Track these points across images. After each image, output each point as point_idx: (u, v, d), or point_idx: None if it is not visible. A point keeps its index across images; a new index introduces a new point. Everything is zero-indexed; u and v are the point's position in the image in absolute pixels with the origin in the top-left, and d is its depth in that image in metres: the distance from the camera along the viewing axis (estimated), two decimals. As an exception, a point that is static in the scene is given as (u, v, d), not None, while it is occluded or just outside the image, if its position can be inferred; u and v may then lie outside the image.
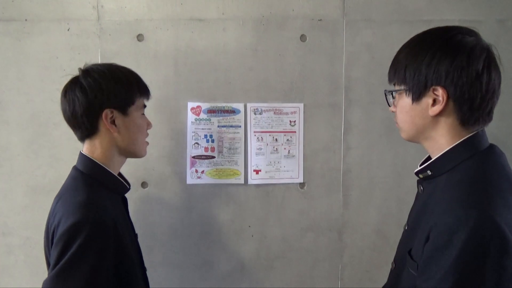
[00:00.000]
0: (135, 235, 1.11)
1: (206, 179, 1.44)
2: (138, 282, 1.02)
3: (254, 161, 1.44)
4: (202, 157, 1.43)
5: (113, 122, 0.97)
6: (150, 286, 1.47)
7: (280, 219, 1.46)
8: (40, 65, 1.40)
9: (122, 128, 0.98)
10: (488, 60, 0.75)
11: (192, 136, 1.43)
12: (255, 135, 1.44)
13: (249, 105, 1.43)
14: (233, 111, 1.43)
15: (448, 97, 0.76)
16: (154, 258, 1.46)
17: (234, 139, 1.44)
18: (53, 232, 0.89)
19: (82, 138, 0.99)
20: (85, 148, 0.99)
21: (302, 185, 1.46)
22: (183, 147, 1.44)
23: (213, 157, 1.43)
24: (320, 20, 1.41)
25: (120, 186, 1.02)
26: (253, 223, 1.46)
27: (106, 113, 0.95)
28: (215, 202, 1.46)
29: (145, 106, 1.07)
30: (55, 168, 1.42)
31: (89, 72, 0.97)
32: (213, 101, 1.43)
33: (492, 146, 0.81)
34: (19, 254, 1.45)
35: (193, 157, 1.43)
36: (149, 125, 1.08)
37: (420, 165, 0.86)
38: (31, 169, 1.42)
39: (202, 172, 1.43)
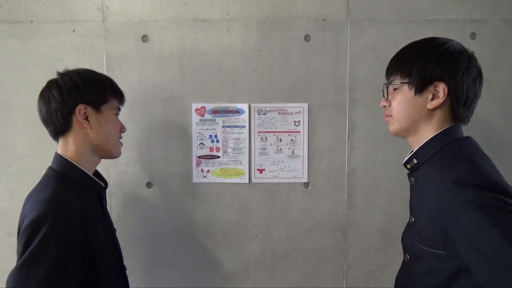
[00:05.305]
0: (113, 232, 1.12)
1: (211, 178, 1.44)
2: (111, 279, 1.03)
3: (258, 160, 1.44)
4: (208, 157, 1.44)
5: (86, 118, 1.00)
6: (156, 286, 1.48)
7: (284, 219, 1.47)
8: (46, 66, 1.41)
9: (95, 124, 1.01)
10: (479, 69, 0.87)
11: (198, 136, 1.44)
12: (259, 135, 1.44)
13: (253, 105, 1.43)
14: (238, 112, 1.43)
15: (448, 93, 0.85)
16: (159, 258, 1.46)
17: (238, 139, 1.44)
18: (19, 227, 0.93)
19: (56, 135, 1.02)
20: (59, 147, 1.03)
21: (306, 185, 1.46)
22: (188, 148, 1.44)
23: (218, 157, 1.44)
24: (325, 20, 1.41)
25: (93, 184, 1.04)
26: (257, 223, 1.47)
27: (80, 108, 0.99)
28: (219, 203, 1.46)
29: (119, 109, 1.10)
30: (61, 168, 1.43)
31: (66, 74, 1.02)
32: (218, 102, 1.43)
33: (468, 136, 0.89)
34: (25, 254, 1.46)
35: (199, 157, 1.44)
36: (122, 128, 1.11)
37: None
38: (38, 169, 1.43)
39: (208, 171, 1.44)
